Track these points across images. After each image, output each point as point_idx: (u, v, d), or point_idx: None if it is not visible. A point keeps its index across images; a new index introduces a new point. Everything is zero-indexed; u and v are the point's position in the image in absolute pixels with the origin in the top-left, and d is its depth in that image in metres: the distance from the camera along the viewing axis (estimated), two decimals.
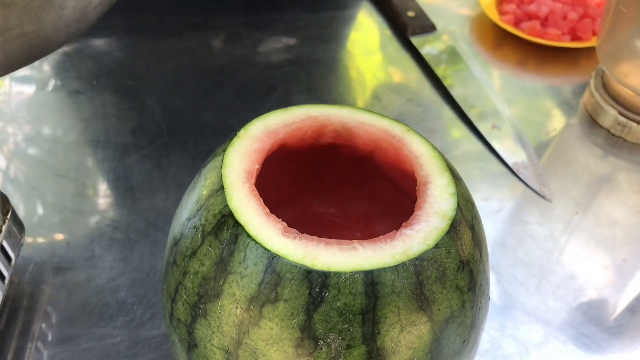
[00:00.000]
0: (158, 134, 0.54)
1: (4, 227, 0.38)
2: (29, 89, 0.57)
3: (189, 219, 0.28)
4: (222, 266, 0.26)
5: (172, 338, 0.30)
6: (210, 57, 0.62)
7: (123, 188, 0.49)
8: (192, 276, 0.27)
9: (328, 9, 0.68)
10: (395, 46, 0.64)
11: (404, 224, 0.27)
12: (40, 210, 0.47)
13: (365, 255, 0.26)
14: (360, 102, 0.59)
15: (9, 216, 0.39)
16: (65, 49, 0.61)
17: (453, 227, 0.27)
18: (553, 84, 0.60)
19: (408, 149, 0.31)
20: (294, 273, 0.25)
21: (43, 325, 0.40)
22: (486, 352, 0.40)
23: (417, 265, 0.26)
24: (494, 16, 0.64)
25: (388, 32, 0.66)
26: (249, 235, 0.26)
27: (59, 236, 0.46)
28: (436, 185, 0.29)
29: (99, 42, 0.62)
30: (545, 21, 0.63)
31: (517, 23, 0.64)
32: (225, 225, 0.26)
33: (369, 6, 0.69)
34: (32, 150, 0.52)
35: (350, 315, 0.25)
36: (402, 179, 0.33)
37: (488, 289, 0.31)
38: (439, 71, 0.60)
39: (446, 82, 0.59)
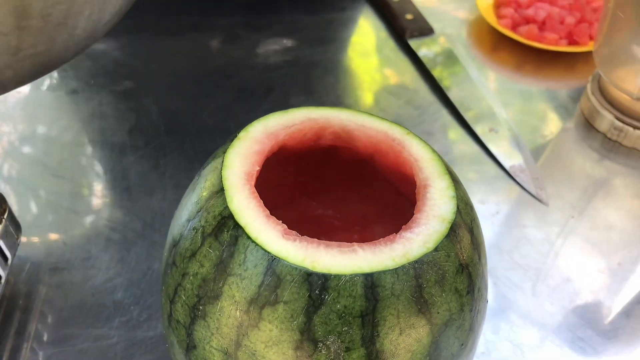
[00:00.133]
0: (155, 134, 0.53)
1: (0, 227, 0.38)
2: (26, 88, 0.57)
3: (188, 220, 0.28)
4: (222, 268, 0.26)
5: (171, 339, 0.30)
6: (208, 58, 0.62)
7: (120, 188, 0.49)
8: (191, 277, 0.27)
9: (327, 11, 0.68)
10: (393, 49, 0.64)
11: (403, 226, 0.27)
12: (36, 210, 0.47)
13: (365, 257, 0.26)
14: (358, 105, 0.59)
15: (5, 216, 0.39)
16: None
17: (452, 231, 0.27)
18: (550, 87, 0.61)
19: (408, 152, 0.31)
20: (294, 275, 0.25)
21: (39, 326, 0.40)
22: (482, 355, 0.40)
23: (417, 268, 0.26)
24: (492, 20, 0.64)
25: (386, 34, 0.66)
26: (249, 237, 0.26)
27: (56, 236, 0.46)
28: (436, 188, 0.29)
29: (97, 42, 0.62)
30: (542, 25, 0.63)
31: (514, 27, 0.64)
32: (225, 227, 0.26)
33: (368, 9, 0.69)
34: (28, 150, 0.52)
35: (350, 318, 0.25)
36: (402, 181, 0.33)
37: (486, 292, 0.31)
38: (436, 74, 0.60)
39: (443, 85, 0.59)
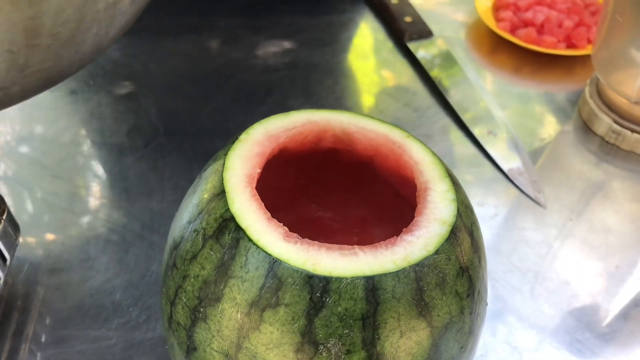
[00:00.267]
0: (154, 135, 0.53)
1: None
2: None
3: (189, 222, 0.28)
4: (223, 270, 0.26)
5: (171, 341, 0.30)
6: (207, 59, 0.62)
7: (119, 189, 0.49)
8: (192, 280, 0.27)
9: (326, 13, 0.68)
10: (392, 51, 0.64)
11: (404, 229, 0.28)
12: (35, 211, 0.47)
13: (366, 260, 0.26)
14: (357, 107, 0.59)
15: (4, 216, 0.39)
16: None
17: (453, 234, 0.27)
18: (548, 90, 0.61)
19: (408, 155, 0.31)
20: (295, 278, 0.25)
21: (37, 327, 0.40)
22: (480, 357, 0.41)
23: (418, 271, 0.26)
24: (491, 23, 0.64)
25: (385, 37, 0.66)
26: (250, 240, 0.26)
27: (54, 237, 0.45)
28: (436, 191, 0.29)
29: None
30: (541, 28, 0.63)
31: (513, 30, 0.64)
32: (226, 229, 0.26)
33: (367, 11, 0.69)
34: (27, 150, 0.52)
35: (351, 321, 0.25)
36: (402, 184, 0.33)
37: (486, 295, 0.31)
38: (435, 76, 0.60)
39: (442, 87, 0.59)
